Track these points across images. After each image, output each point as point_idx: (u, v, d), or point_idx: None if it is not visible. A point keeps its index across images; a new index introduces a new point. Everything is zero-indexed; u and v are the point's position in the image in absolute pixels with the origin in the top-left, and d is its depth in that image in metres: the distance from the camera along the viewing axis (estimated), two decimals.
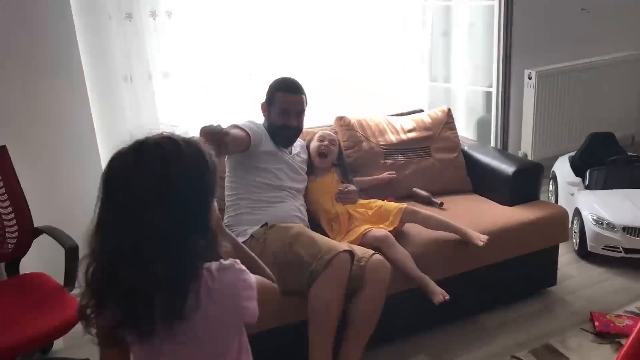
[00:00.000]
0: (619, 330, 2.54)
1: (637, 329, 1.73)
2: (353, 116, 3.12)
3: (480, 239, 2.49)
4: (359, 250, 2.28)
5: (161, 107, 3.04)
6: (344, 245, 2.21)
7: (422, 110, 3.39)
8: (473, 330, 2.65)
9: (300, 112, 2.57)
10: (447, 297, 2.34)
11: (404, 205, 2.59)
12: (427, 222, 2.56)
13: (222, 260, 1.22)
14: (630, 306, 2.76)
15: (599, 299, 2.85)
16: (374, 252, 2.30)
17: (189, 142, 1.20)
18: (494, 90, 3.77)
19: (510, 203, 2.86)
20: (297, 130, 2.61)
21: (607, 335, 2.55)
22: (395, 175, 2.95)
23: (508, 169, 2.89)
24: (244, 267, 1.24)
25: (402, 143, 3.07)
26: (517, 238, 2.70)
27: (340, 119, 3.10)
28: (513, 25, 3.72)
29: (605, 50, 4.31)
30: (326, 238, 2.33)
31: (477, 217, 2.74)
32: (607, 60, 4.26)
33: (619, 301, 2.81)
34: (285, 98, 2.52)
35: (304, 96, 2.57)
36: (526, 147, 4.04)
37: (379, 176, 2.94)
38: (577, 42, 4.20)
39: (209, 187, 1.22)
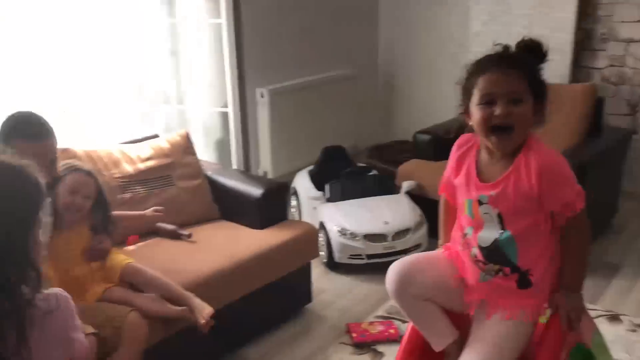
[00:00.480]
0: (375, 338, 2.64)
1: (409, 327, 1.80)
2: (79, 147, 2.71)
3: (203, 315, 2.14)
4: (112, 310, 1.98)
5: None
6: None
7: (157, 136, 3.12)
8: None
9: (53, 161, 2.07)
10: (213, 311, 2.17)
11: (125, 262, 2.21)
12: (149, 285, 2.17)
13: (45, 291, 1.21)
14: (379, 311, 2.91)
15: (352, 308, 2.94)
16: (130, 309, 2.01)
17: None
18: (230, 110, 3.69)
19: (261, 226, 2.78)
20: None
21: (364, 344, 2.62)
22: (162, 214, 2.53)
23: (255, 191, 2.81)
24: (68, 295, 1.26)
25: (140, 173, 2.77)
26: (272, 262, 2.63)
27: (63, 151, 2.65)
28: (243, 44, 3.69)
29: (326, 68, 4.58)
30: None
31: (229, 245, 2.59)
32: (328, 77, 4.52)
33: (369, 308, 2.94)
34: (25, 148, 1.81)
35: (52, 139, 2.05)
36: (266, 165, 4.06)
37: (143, 212, 2.52)
38: (303, 61, 4.38)
39: (26, 218, 1.16)
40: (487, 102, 1.54)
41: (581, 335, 1.66)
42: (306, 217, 3.50)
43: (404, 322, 2.78)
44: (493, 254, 1.59)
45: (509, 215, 1.56)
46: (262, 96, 3.97)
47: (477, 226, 1.62)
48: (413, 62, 5.02)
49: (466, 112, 1.62)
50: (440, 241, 1.96)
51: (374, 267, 3.23)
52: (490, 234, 1.59)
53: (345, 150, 3.93)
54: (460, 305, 1.74)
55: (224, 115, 3.78)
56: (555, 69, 3.96)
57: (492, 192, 1.56)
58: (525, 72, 1.53)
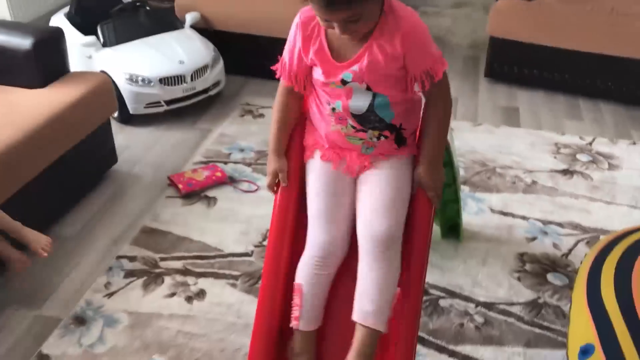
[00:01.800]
0: (203, 184, 2.49)
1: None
2: None
3: (42, 245, 1.79)
4: None
5: None
6: None
7: None
8: (56, 247, 2.14)
9: None
10: (50, 240, 1.81)
11: None
12: None
13: None
14: (195, 157, 2.72)
15: (165, 160, 2.71)
16: None
17: None
18: None
19: (40, 84, 2.29)
20: None
21: (193, 193, 2.46)
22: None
23: (23, 42, 2.25)
24: None
25: None
26: (70, 123, 2.22)
27: None
28: None
29: None
30: None
31: (10, 113, 2.10)
32: None
33: (183, 156, 2.74)
34: None
35: None
36: (13, 10, 3.29)
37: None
38: None
39: None
40: (326, 21, 1.34)
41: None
42: (78, 68, 2.97)
43: (225, 163, 2.67)
44: (370, 119, 1.48)
45: (379, 84, 1.43)
46: None
47: (347, 96, 1.46)
48: None
49: None
50: (274, 147, 1.57)
51: (174, 113, 2.98)
52: (362, 101, 1.45)
53: None
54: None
55: None
56: None
57: (355, 67, 1.40)
58: None
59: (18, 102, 2.19)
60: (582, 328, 1.54)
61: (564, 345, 1.80)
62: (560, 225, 2.33)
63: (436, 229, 2.14)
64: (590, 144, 2.87)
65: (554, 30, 3.14)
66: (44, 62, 2.31)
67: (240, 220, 2.34)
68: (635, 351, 1.40)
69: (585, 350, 1.49)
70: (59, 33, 2.39)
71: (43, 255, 1.78)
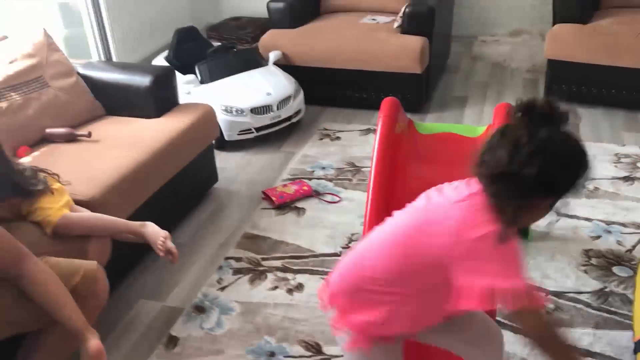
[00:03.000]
0: (292, 197, 2.82)
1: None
2: None
3: (159, 243, 1.93)
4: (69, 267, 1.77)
5: None
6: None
7: (6, 37, 2.74)
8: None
9: None
10: (167, 234, 1.98)
11: (55, 219, 1.88)
12: (91, 228, 1.95)
13: None
14: (283, 174, 3.07)
15: (257, 178, 3.06)
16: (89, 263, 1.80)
17: None
18: (83, 2, 3.34)
19: (157, 114, 2.70)
20: None
21: (285, 205, 2.79)
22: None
23: (143, 80, 2.68)
24: None
25: (9, 79, 2.45)
26: (183, 146, 2.60)
27: None
28: None
29: None
30: None
31: (137, 138, 2.50)
32: None
33: (272, 174, 3.09)
34: None
35: None
36: (117, 56, 3.78)
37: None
38: None
39: None
40: None
41: None
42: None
43: (310, 179, 3.00)
44: None
45: None
46: None
47: None
48: None
49: None
50: None
51: (262, 139, 3.34)
52: None
53: (197, 31, 3.81)
54: None
55: (64, 7, 3.40)
56: None
57: None
58: None
59: (141, 129, 2.59)
60: None
61: (630, 327, 1.99)
62: (623, 225, 2.52)
63: None
64: None
65: (609, 50, 3.35)
66: (160, 96, 2.72)
67: (327, 226, 2.64)
68: None
69: None
70: (171, 71, 2.81)
71: (168, 258, 1.95)
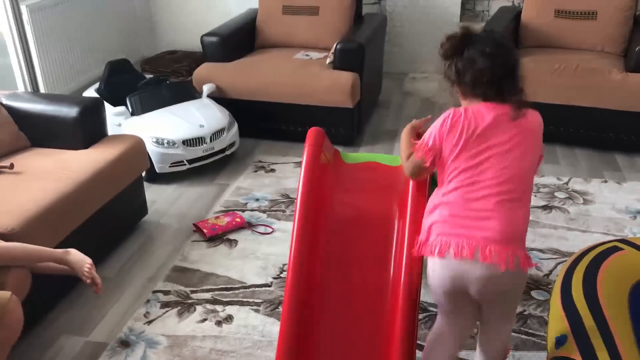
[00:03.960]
0: (224, 229, 2.81)
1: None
2: None
3: (85, 271, 1.92)
4: None
5: None
6: None
7: None
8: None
9: None
10: (90, 261, 1.98)
11: None
12: (13, 258, 1.88)
13: None
14: (216, 207, 3.06)
15: (189, 211, 3.04)
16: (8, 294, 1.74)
17: None
18: (8, 32, 3.29)
19: (84, 146, 2.66)
20: None
21: (216, 237, 2.78)
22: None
23: (70, 111, 2.65)
24: None
25: None
26: (110, 178, 2.57)
27: None
28: None
29: None
30: None
31: (62, 169, 2.45)
32: None
33: (205, 207, 3.07)
34: None
35: None
36: (45, 87, 3.72)
37: None
38: None
39: None
40: None
41: None
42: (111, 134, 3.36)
43: (243, 211, 3.00)
44: None
45: None
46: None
47: None
48: None
49: None
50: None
51: (194, 171, 3.33)
52: None
53: (130, 63, 3.80)
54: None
55: None
56: None
57: None
58: None
59: (67, 160, 2.54)
60: (557, 322, 1.83)
61: (545, 348, 2.07)
62: (541, 251, 2.64)
63: None
64: (567, 183, 3.22)
65: (528, 86, 3.54)
66: (87, 128, 2.69)
67: (259, 257, 2.65)
68: (600, 340, 1.69)
69: (560, 340, 1.78)
70: (99, 103, 2.79)
71: (95, 289, 1.94)
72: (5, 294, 1.71)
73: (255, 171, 3.43)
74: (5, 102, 2.71)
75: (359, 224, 1.93)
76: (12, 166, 2.43)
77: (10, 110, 2.68)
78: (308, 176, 1.91)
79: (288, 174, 3.38)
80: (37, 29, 3.69)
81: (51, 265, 1.96)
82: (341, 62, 3.60)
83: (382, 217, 1.92)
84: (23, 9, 3.54)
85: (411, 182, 1.86)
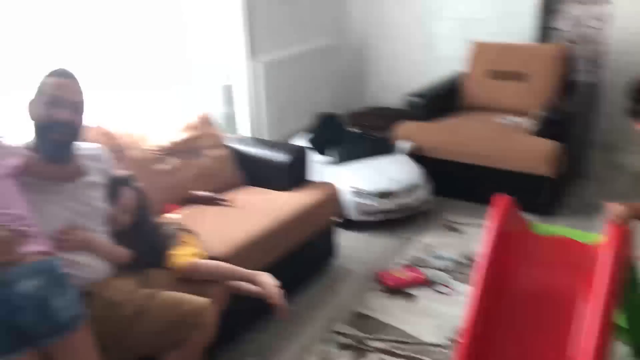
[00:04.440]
0: (406, 283, 2.90)
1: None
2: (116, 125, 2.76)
3: (272, 293, 2.21)
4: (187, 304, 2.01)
5: None
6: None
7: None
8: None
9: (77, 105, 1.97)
10: (277, 283, 2.27)
11: (184, 264, 2.19)
12: (215, 272, 2.22)
13: None
14: (400, 260, 3.16)
15: (374, 260, 3.18)
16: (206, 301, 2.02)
17: None
18: (241, 83, 3.86)
19: (288, 188, 2.96)
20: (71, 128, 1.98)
21: (397, 290, 2.88)
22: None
23: (282, 157, 2.98)
24: None
25: (176, 144, 2.89)
26: (307, 219, 2.82)
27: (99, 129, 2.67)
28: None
29: (308, 38, 4.71)
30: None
31: (268, 207, 2.75)
32: (312, 48, 4.66)
33: (389, 258, 3.19)
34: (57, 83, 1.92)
35: (78, 82, 1.98)
36: (264, 133, 4.19)
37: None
38: (287, 34, 4.49)
39: None
40: None
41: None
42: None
43: (426, 267, 3.06)
44: None
45: None
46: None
47: None
48: (383, 31, 5.23)
49: None
50: None
51: (385, 223, 3.48)
52: None
53: (336, 116, 4.12)
54: None
55: (225, 89, 3.90)
56: (521, 31, 4.31)
57: None
58: None
59: (274, 199, 2.86)
60: None
61: None
62: None
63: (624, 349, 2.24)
64: None
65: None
66: (294, 172, 3.00)
67: (435, 316, 2.67)
68: None
69: None
70: (306, 151, 3.09)
71: (281, 314, 2.21)
72: (205, 300, 2.00)
73: (443, 230, 3.47)
74: (231, 144, 3.14)
75: (538, 299, 1.89)
76: (228, 201, 2.81)
77: (234, 152, 3.11)
78: (490, 245, 1.93)
79: (474, 235, 3.35)
80: (268, 83, 4.19)
81: (243, 284, 2.25)
82: (544, 129, 3.51)
83: (564, 296, 1.85)
84: (259, 66, 4.07)
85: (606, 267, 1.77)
